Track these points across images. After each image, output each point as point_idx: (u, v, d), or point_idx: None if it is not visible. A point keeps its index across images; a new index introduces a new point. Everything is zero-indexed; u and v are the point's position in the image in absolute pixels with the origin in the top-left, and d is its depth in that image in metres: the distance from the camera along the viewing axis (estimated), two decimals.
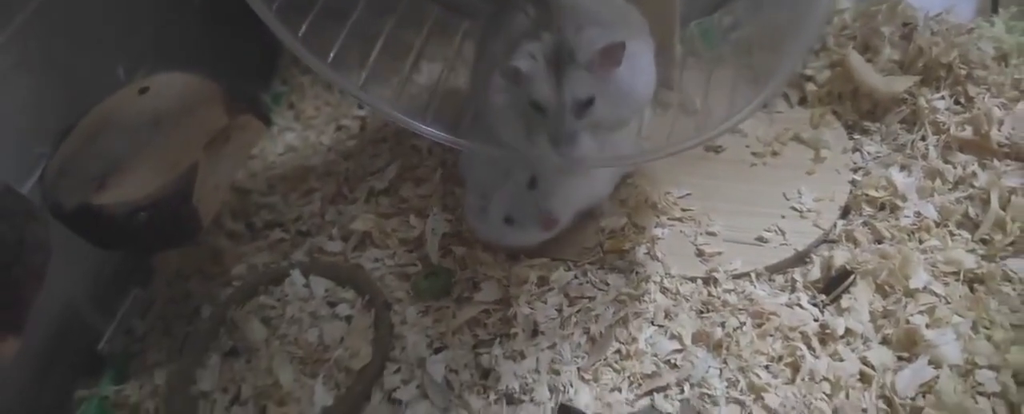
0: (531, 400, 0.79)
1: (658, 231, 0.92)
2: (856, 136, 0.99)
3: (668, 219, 0.94)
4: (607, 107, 0.76)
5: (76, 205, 0.79)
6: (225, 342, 0.92)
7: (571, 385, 0.80)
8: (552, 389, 0.80)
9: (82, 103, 0.90)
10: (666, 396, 0.78)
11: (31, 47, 0.89)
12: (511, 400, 0.80)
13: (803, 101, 1.04)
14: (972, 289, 0.82)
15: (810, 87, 1.03)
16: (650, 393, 0.79)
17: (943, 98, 0.95)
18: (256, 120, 0.88)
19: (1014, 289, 0.80)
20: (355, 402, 0.83)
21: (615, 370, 0.81)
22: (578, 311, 0.86)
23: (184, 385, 0.88)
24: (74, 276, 0.96)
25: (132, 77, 1.01)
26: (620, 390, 0.79)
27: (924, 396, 0.74)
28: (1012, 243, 0.83)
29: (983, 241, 0.84)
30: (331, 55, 0.86)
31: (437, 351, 0.86)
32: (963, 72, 0.94)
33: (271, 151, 1.16)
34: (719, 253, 0.89)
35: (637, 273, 0.88)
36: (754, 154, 0.99)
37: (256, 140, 0.96)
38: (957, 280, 0.82)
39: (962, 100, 0.95)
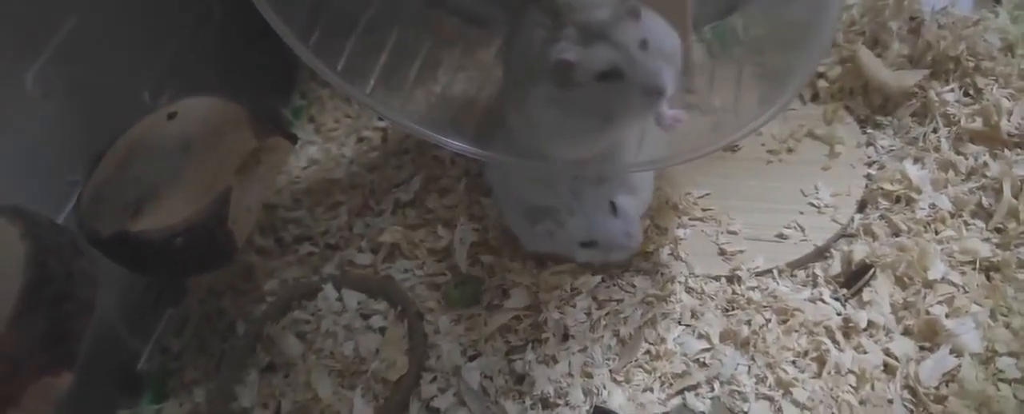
0: (566, 404, 0.82)
1: (680, 232, 0.95)
2: (869, 131, 1.00)
3: (689, 219, 0.96)
4: (658, 44, 0.75)
5: (113, 232, 0.81)
6: (262, 358, 0.95)
7: (604, 387, 0.82)
8: (586, 392, 0.83)
9: (109, 129, 0.93)
10: (697, 394, 0.81)
11: (59, 76, 0.91)
12: (546, 404, 0.83)
13: (815, 98, 1.06)
14: (988, 277, 0.84)
15: (822, 83, 1.05)
16: (681, 392, 0.81)
17: (953, 90, 0.97)
18: (284, 141, 0.91)
19: None
20: (394, 412, 0.86)
21: (646, 371, 0.84)
22: (607, 314, 0.88)
23: (224, 402, 0.91)
24: (108, 297, 0.98)
25: (157, 100, 1.03)
26: (652, 390, 0.82)
27: (947, 385, 0.76)
28: None
29: (997, 230, 0.86)
30: (341, 65, 0.87)
31: (471, 359, 0.88)
32: (971, 64, 0.96)
33: (294, 165, 1.18)
34: (741, 251, 0.91)
35: (662, 274, 0.91)
36: (769, 152, 1.01)
37: (285, 160, 0.99)
38: (974, 269, 0.84)
39: (971, 92, 0.96)
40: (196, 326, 1.02)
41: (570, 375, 0.84)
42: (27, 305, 0.61)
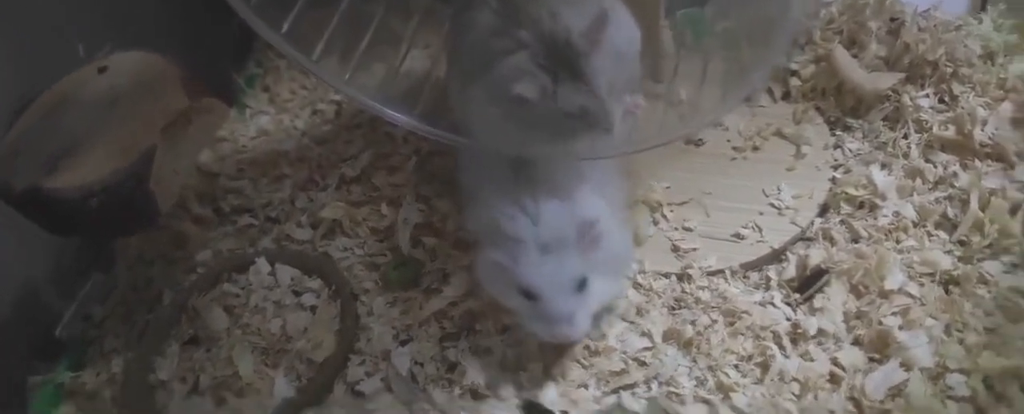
0: (496, 396, 0.80)
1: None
2: (838, 133, 0.99)
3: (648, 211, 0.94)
4: (618, 72, 0.75)
5: (25, 188, 0.78)
6: (186, 330, 0.92)
7: (536, 381, 0.80)
8: (518, 385, 0.80)
9: (42, 82, 0.89)
10: (634, 394, 0.79)
11: None
12: (476, 395, 0.80)
13: (787, 96, 1.04)
14: (947, 291, 0.82)
15: (794, 82, 1.03)
16: (617, 390, 0.79)
17: (927, 96, 0.95)
18: (219, 103, 0.88)
19: (989, 292, 0.81)
20: (317, 394, 0.83)
21: (583, 366, 0.81)
22: None
23: (142, 374, 0.88)
24: (34, 257, 0.95)
25: (94, 56, 1.00)
26: (587, 387, 0.80)
27: (893, 399, 0.74)
28: (990, 245, 0.83)
29: (961, 242, 0.85)
30: (319, 50, 0.84)
31: (403, 343, 0.86)
32: (949, 70, 0.94)
33: (243, 134, 1.15)
34: (695, 249, 0.89)
35: None
36: (735, 148, 0.99)
37: (220, 123, 0.96)
38: (933, 281, 0.82)
39: (946, 99, 0.95)
40: (122, 294, 0.99)
41: (503, 367, 0.82)
42: None
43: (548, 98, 0.70)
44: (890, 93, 0.96)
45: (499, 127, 0.77)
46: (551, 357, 0.82)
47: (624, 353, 0.81)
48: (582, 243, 0.72)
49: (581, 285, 0.72)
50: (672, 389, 0.78)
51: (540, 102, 0.70)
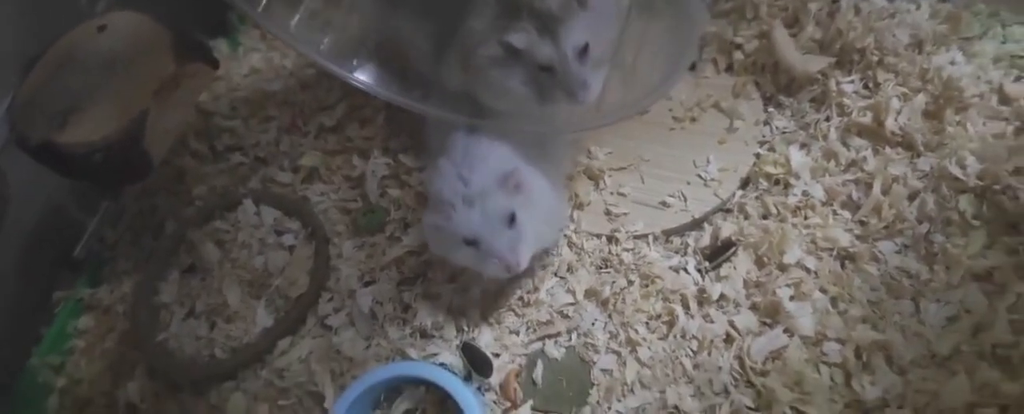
0: (441, 336, 0.89)
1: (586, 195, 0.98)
2: (771, 109, 1.01)
3: (587, 178, 1.00)
4: (598, 43, 0.80)
5: (39, 142, 0.86)
6: (184, 259, 1.02)
7: (476, 326, 0.90)
8: (459, 329, 0.90)
9: (47, 34, 0.94)
10: (556, 342, 0.88)
11: None
12: (424, 334, 0.90)
13: (730, 68, 1.05)
14: (843, 266, 0.88)
15: (738, 55, 1.04)
16: (543, 339, 0.88)
17: (853, 82, 0.97)
18: (206, 67, 0.93)
19: (878, 269, 0.86)
20: (292, 325, 0.93)
21: (517, 315, 0.90)
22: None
23: (148, 295, 0.99)
24: (54, 185, 1.04)
25: (94, 6, 1.05)
26: (518, 334, 0.89)
27: (773, 361, 0.82)
28: (886, 227, 0.88)
29: (861, 222, 0.90)
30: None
31: (367, 285, 0.95)
32: (875, 58, 0.96)
33: (236, 72, 1.20)
34: (625, 213, 0.95)
35: None
36: (675, 118, 1.02)
37: (205, 86, 1.01)
38: (831, 256, 0.88)
39: (871, 85, 0.96)
40: (130, 220, 1.08)
41: (449, 311, 0.91)
42: None
43: (532, 50, 0.77)
44: (819, 76, 0.98)
45: (497, 84, 0.82)
46: (489, 306, 0.91)
47: (551, 306, 0.90)
48: (505, 188, 0.79)
49: (511, 220, 0.78)
50: (588, 340, 0.87)
51: (525, 54, 0.77)
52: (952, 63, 0.94)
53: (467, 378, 0.86)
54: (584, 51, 0.78)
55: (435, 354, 0.87)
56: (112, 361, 0.97)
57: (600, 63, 0.81)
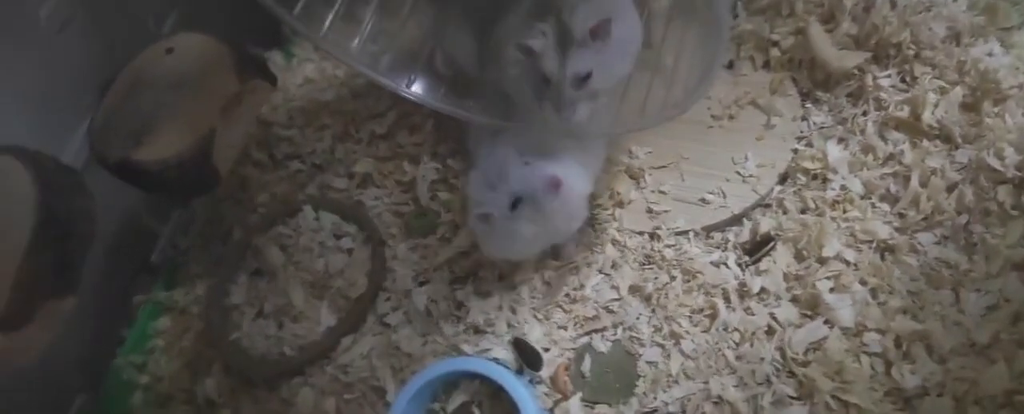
0: (492, 332, 0.94)
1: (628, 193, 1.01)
2: (808, 105, 1.02)
3: (629, 176, 1.03)
4: (602, 77, 0.83)
5: (117, 159, 0.92)
6: (251, 263, 1.08)
7: (526, 322, 0.94)
8: (510, 325, 0.94)
9: (117, 57, 1.01)
10: (603, 336, 0.92)
11: (71, 7, 0.99)
12: (477, 330, 0.95)
13: (767, 65, 1.07)
14: (883, 257, 0.89)
15: (775, 52, 1.05)
16: (590, 333, 0.92)
17: (890, 76, 0.98)
18: (265, 83, 0.99)
19: (918, 260, 0.88)
20: (353, 324, 0.98)
21: (564, 311, 0.94)
22: (537, 260, 0.97)
23: (219, 297, 1.05)
24: (131, 196, 1.10)
25: (161, 26, 1.11)
26: (566, 329, 0.93)
27: (814, 352, 0.84)
28: (925, 219, 0.89)
29: (900, 215, 0.91)
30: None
31: (421, 284, 1.00)
32: (912, 52, 0.96)
33: (291, 82, 1.25)
34: (666, 211, 0.98)
35: (594, 228, 0.99)
36: (713, 116, 1.04)
37: (265, 102, 1.06)
38: (871, 249, 0.90)
39: (908, 79, 0.97)
40: (200, 227, 1.15)
41: (500, 308, 0.95)
42: (37, 243, 0.72)
43: (542, 56, 0.80)
44: (856, 71, 0.98)
45: (517, 81, 0.86)
46: (538, 304, 0.95)
47: (597, 302, 0.93)
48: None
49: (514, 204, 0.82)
50: (634, 334, 0.90)
51: (538, 57, 0.80)
52: (990, 55, 0.95)
53: (519, 372, 0.90)
54: (585, 79, 0.81)
55: (488, 349, 0.92)
56: (190, 359, 1.03)
57: (597, 95, 0.85)
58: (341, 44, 0.92)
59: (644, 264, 0.96)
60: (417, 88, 0.95)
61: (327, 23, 0.90)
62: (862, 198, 0.93)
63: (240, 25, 1.16)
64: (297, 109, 1.21)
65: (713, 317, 0.90)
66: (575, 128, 0.85)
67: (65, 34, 0.99)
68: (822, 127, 1.00)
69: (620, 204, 1.00)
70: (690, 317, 0.91)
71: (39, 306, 0.74)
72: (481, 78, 0.96)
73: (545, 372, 0.90)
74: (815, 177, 0.96)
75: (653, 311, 0.92)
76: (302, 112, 1.20)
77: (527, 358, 0.90)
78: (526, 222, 0.84)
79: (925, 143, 0.93)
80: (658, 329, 0.91)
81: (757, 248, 0.93)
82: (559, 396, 0.89)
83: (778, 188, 0.98)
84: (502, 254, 0.92)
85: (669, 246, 0.96)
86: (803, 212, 0.94)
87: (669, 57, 0.99)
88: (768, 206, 0.97)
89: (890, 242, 0.90)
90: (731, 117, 1.04)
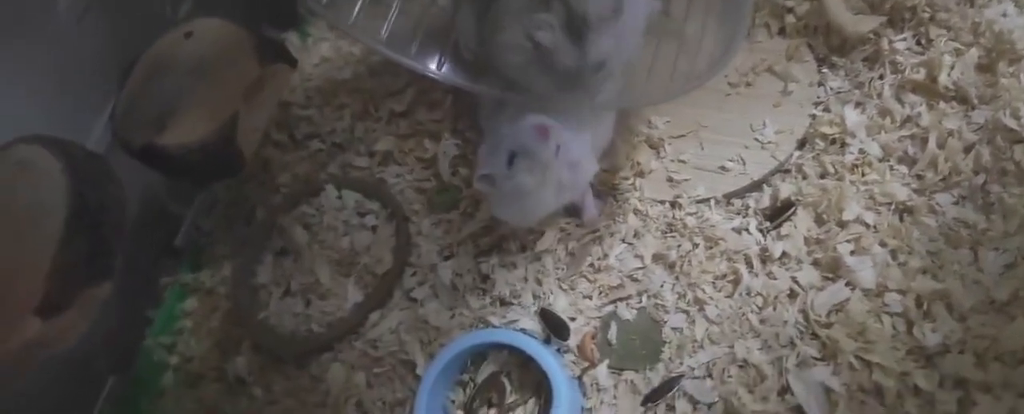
0: (519, 304, 0.95)
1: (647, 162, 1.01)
2: (824, 70, 1.03)
3: (649, 146, 1.03)
4: (619, 55, 0.83)
5: (142, 145, 0.93)
6: (276, 243, 1.09)
7: (551, 293, 0.95)
8: (535, 295, 0.95)
9: (136, 43, 1.01)
10: (627, 304, 0.93)
11: None
12: (503, 302, 0.96)
13: (782, 31, 1.07)
14: (901, 219, 0.90)
15: (790, 19, 1.05)
16: (615, 302, 0.93)
17: (905, 39, 0.98)
18: (285, 67, 0.99)
19: (936, 221, 0.89)
20: (381, 299, 1.00)
21: (589, 281, 0.95)
22: (561, 230, 0.98)
23: (246, 277, 1.07)
24: (154, 180, 1.12)
25: (177, 11, 1.11)
26: (591, 298, 0.94)
27: (836, 314, 0.86)
28: (943, 179, 0.90)
29: (918, 176, 0.92)
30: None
31: (446, 258, 1.01)
32: (926, 15, 0.96)
33: (307, 62, 1.25)
34: (686, 179, 0.99)
35: (615, 198, 1.00)
36: (730, 84, 1.05)
37: (286, 85, 1.07)
38: (889, 211, 0.91)
39: (923, 41, 0.97)
40: (223, 209, 1.16)
41: (525, 280, 0.96)
42: (70, 232, 0.73)
43: (556, 51, 0.80)
44: (871, 36, 0.99)
45: (520, 67, 0.85)
46: (563, 274, 0.97)
47: (621, 271, 0.94)
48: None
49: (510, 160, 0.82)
50: (658, 301, 0.92)
51: (551, 52, 0.80)
52: (1004, 15, 0.95)
53: (546, 341, 0.92)
54: (602, 63, 0.81)
55: (515, 321, 0.93)
56: (219, 339, 1.05)
57: (615, 71, 0.84)
58: (368, 28, 0.91)
59: (666, 232, 0.97)
60: (445, 68, 0.95)
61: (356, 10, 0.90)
62: (880, 161, 0.94)
63: (255, 7, 1.16)
64: (314, 89, 1.21)
65: (736, 282, 0.91)
66: (603, 105, 0.85)
67: (83, 23, 0.99)
68: (839, 92, 1.00)
69: (641, 174, 1.01)
70: (713, 283, 0.92)
71: (76, 294, 0.75)
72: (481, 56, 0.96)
73: (572, 341, 0.91)
74: (833, 142, 0.97)
75: (677, 278, 0.93)
76: (320, 92, 1.21)
77: (554, 328, 0.91)
78: (525, 174, 0.82)
79: (942, 105, 0.93)
80: (682, 296, 0.92)
81: (777, 214, 0.93)
82: (586, 364, 0.90)
83: (797, 153, 0.98)
84: (516, 218, 0.91)
85: (691, 214, 0.97)
86: (822, 177, 0.95)
87: (692, 27, 0.99)
88: (787, 172, 0.98)
89: (909, 204, 0.91)
90: (748, 84, 1.04)
